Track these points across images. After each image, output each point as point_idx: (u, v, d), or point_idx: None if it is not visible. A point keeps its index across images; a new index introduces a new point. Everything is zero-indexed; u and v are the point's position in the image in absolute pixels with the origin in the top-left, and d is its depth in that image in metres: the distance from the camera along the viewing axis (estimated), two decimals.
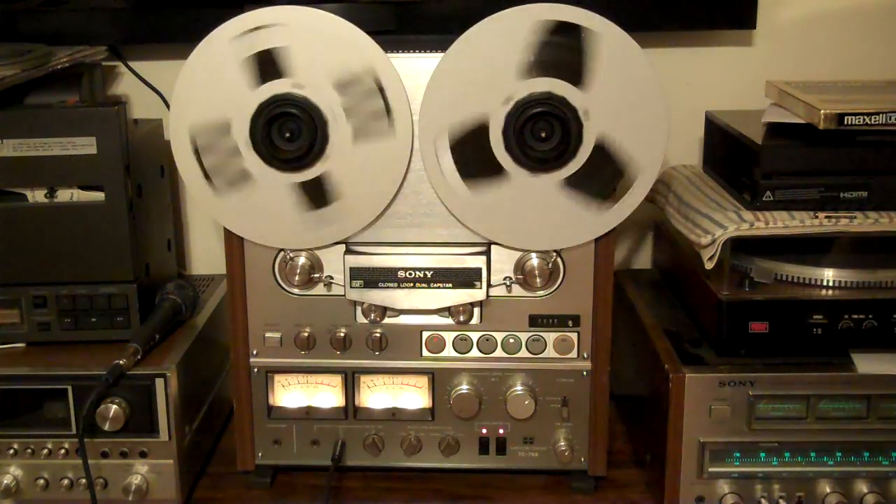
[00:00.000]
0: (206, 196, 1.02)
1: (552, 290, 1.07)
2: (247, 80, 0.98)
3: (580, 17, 0.96)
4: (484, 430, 1.11)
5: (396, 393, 1.11)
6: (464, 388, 1.09)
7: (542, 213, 1.02)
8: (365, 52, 0.98)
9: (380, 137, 1.00)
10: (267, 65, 0.98)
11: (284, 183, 1.01)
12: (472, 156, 1.00)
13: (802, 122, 1.08)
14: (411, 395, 1.11)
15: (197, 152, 1.01)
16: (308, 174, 1.01)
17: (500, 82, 0.97)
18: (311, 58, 0.98)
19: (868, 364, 1.02)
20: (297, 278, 1.05)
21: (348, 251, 1.06)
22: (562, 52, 0.97)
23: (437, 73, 0.98)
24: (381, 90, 0.98)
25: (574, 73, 0.97)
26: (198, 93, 0.99)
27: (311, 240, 1.05)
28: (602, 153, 0.99)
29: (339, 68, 0.98)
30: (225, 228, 1.05)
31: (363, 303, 1.07)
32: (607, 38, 0.96)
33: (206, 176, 1.01)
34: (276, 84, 0.98)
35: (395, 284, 1.05)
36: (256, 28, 0.97)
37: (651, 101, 0.98)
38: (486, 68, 0.97)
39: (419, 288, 1.05)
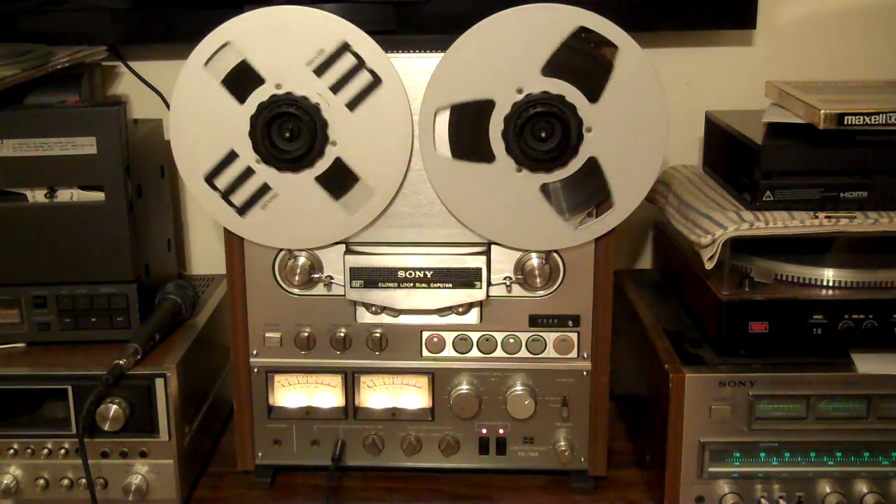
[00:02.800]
0: (234, 221, 1.04)
1: (552, 290, 1.07)
2: (231, 101, 0.99)
3: (616, 34, 0.96)
4: (484, 430, 1.11)
5: (396, 393, 1.11)
6: (464, 388, 1.09)
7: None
8: (326, 28, 0.98)
9: (373, 97, 0.99)
10: (242, 78, 0.98)
11: (304, 183, 1.01)
12: (467, 133, 1.00)
13: (802, 122, 1.08)
14: (411, 395, 1.11)
15: (217, 189, 1.02)
16: (321, 166, 1.01)
17: (518, 71, 0.97)
18: (277, 55, 0.98)
19: (868, 364, 1.02)
20: (297, 278, 1.05)
21: (348, 251, 1.06)
22: (587, 62, 0.97)
23: (460, 44, 0.97)
24: (355, 55, 0.98)
25: (592, 86, 0.97)
26: (196, 137, 1.00)
27: (345, 229, 1.04)
28: (590, 172, 0.99)
29: (309, 54, 0.98)
30: (225, 228, 1.05)
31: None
32: (630, 61, 0.96)
33: (231, 204, 1.02)
34: (259, 92, 0.99)
35: (395, 284, 1.05)
36: (218, 50, 0.98)
37: (653, 134, 0.98)
38: (510, 53, 0.97)
39: (419, 288, 1.05)
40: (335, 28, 0.98)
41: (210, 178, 1.02)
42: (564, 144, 0.98)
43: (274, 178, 1.01)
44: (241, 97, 0.99)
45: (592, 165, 0.99)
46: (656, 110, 0.98)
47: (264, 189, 1.02)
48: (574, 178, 1.00)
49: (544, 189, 1.01)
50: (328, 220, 1.03)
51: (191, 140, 1.01)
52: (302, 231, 1.04)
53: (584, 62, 0.97)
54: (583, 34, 0.96)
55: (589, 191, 1.01)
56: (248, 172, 1.01)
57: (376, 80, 0.98)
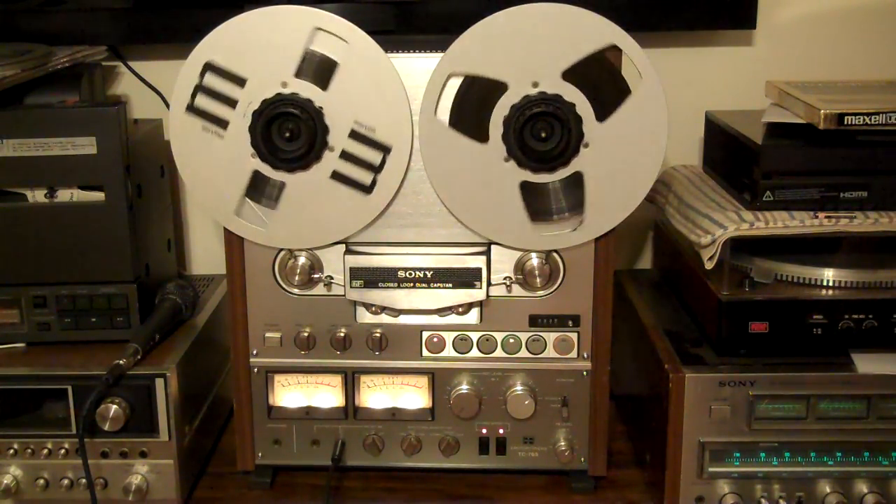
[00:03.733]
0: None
1: (552, 290, 1.07)
2: (294, 66, 0.98)
3: (641, 62, 0.96)
4: (484, 430, 1.11)
5: (396, 393, 1.11)
6: (464, 388, 1.09)
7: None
8: (396, 119, 0.99)
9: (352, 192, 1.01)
10: (314, 66, 0.99)
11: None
12: (470, 108, 0.99)
13: (802, 122, 1.08)
14: (411, 395, 1.11)
15: (200, 81, 1.00)
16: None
17: (540, 66, 0.97)
18: (352, 90, 0.98)
19: (868, 364, 1.02)
20: (297, 278, 1.05)
21: (348, 251, 1.06)
22: (607, 80, 0.98)
23: (493, 20, 0.96)
24: (384, 162, 1.00)
25: (604, 105, 0.97)
26: (242, 43, 0.99)
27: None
28: (573, 184, 1.00)
29: (366, 119, 0.99)
30: (225, 228, 1.05)
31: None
32: (647, 92, 0.97)
33: (191, 106, 1.01)
34: (310, 87, 0.99)
35: (395, 284, 1.05)
36: (331, 33, 0.98)
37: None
38: (538, 45, 0.96)
39: (419, 288, 1.05)
40: (401, 126, 0.99)
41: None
42: (561, 151, 0.98)
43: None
44: (299, 73, 0.99)
45: (577, 179, 1.00)
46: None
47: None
48: (563, 183, 1.00)
49: (523, 186, 1.00)
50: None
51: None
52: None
53: (604, 79, 0.97)
54: (611, 51, 0.96)
55: (573, 199, 1.01)
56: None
57: (370, 188, 1.01)
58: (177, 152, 1.02)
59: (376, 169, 1.01)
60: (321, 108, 0.99)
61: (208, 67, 0.99)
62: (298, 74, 0.98)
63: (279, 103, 0.98)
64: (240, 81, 0.99)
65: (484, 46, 0.97)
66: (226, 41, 0.98)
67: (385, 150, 1.00)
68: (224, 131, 1.00)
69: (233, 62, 0.99)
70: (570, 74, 0.97)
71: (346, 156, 1.00)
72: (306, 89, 0.98)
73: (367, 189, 1.01)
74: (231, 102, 0.99)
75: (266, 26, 0.98)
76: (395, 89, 0.99)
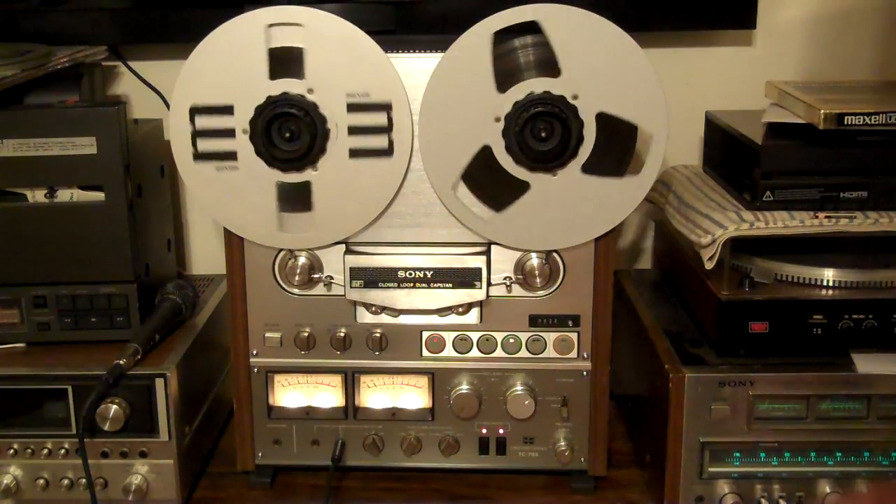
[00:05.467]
0: (193, 176, 1.03)
1: (552, 290, 1.07)
2: (265, 70, 0.98)
3: (529, 13, 0.95)
4: (484, 430, 1.11)
5: (396, 393, 1.11)
6: (464, 388, 1.09)
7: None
8: (384, 78, 0.98)
9: (377, 161, 1.00)
10: (286, 62, 0.98)
11: (269, 179, 1.01)
12: (490, 182, 1.00)
13: (802, 122, 1.08)
14: (411, 395, 1.11)
15: (194, 128, 1.00)
16: (296, 177, 1.01)
17: (483, 104, 0.97)
18: (330, 68, 0.98)
19: (868, 364, 1.02)
20: (297, 278, 1.06)
21: (348, 251, 1.06)
22: (527, 50, 0.97)
23: (424, 108, 0.98)
24: (390, 119, 0.99)
25: (546, 65, 0.97)
26: (210, 72, 0.99)
27: (281, 239, 1.04)
28: (607, 126, 0.98)
29: (356, 88, 0.98)
30: (225, 228, 1.05)
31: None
32: (566, 22, 0.96)
33: (197, 155, 1.01)
34: (291, 83, 0.98)
35: (395, 284, 1.05)
36: (286, 24, 0.97)
37: (633, 64, 0.97)
38: (467, 94, 0.97)
39: (419, 288, 1.05)
40: (391, 82, 0.98)
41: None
42: (566, 126, 0.97)
43: (248, 161, 1.01)
44: (274, 74, 0.98)
45: (603, 119, 0.98)
46: (612, 40, 0.96)
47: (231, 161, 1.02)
48: (602, 142, 0.98)
49: (584, 172, 0.99)
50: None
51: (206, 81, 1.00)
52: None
53: (522, 53, 0.97)
54: (501, 36, 0.96)
55: (620, 140, 0.99)
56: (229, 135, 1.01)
57: (390, 149, 1.00)
58: (206, 203, 1.03)
59: (387, 129, 1.00)
60: (314, 102, 0.98)
61: (194, 112, 0.99)
62: (273, 76, 0.98)
63: (272, 106, 0.98)
64: (227, 110, 0.99)
65: (442, 135, 0.98)
66: (196, 79, 0.99)
67: (386, 107, 0.99)
68: (236, 162, 1.00)
69: (212, 95, 0.99)
70: (504, 80, 0.97)
71: (354, 130, 0.99)
72: (288, 85, 0.98)
73: (388, 152, 1.00)
74: (230, 133, 0.99)
75: (224, 45, 0.98)
76: (370, 49, 0.98)
